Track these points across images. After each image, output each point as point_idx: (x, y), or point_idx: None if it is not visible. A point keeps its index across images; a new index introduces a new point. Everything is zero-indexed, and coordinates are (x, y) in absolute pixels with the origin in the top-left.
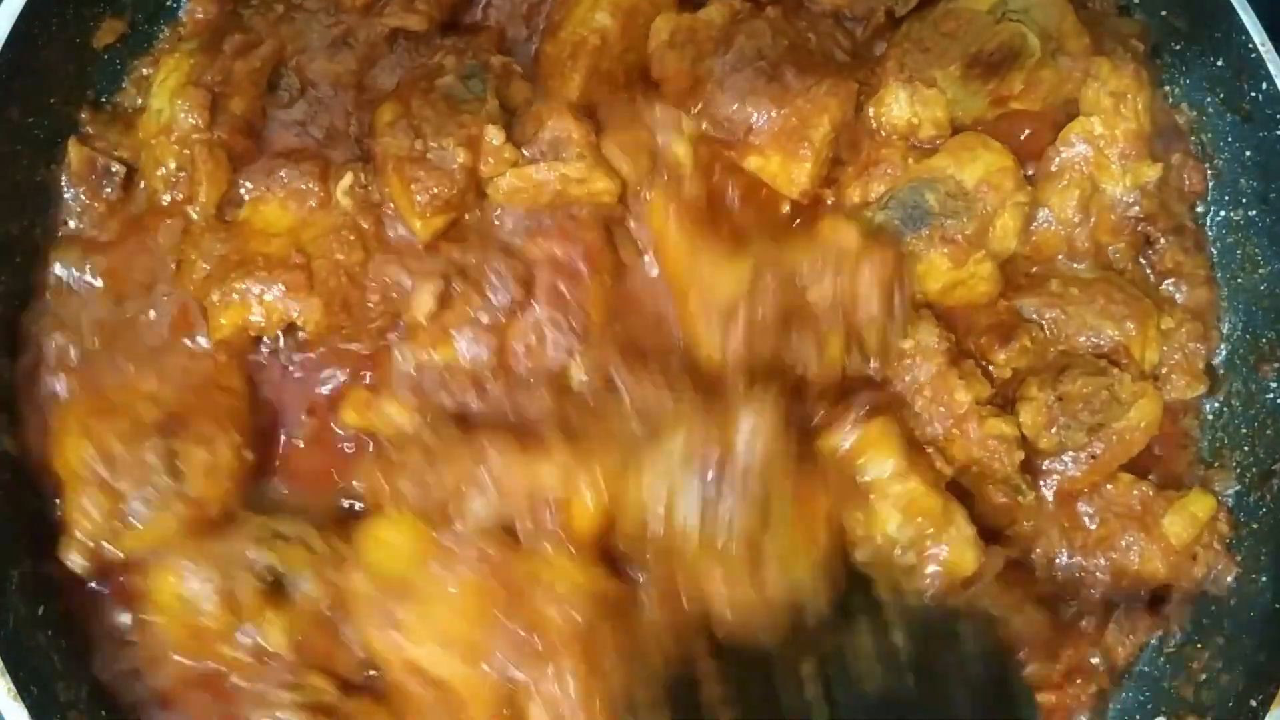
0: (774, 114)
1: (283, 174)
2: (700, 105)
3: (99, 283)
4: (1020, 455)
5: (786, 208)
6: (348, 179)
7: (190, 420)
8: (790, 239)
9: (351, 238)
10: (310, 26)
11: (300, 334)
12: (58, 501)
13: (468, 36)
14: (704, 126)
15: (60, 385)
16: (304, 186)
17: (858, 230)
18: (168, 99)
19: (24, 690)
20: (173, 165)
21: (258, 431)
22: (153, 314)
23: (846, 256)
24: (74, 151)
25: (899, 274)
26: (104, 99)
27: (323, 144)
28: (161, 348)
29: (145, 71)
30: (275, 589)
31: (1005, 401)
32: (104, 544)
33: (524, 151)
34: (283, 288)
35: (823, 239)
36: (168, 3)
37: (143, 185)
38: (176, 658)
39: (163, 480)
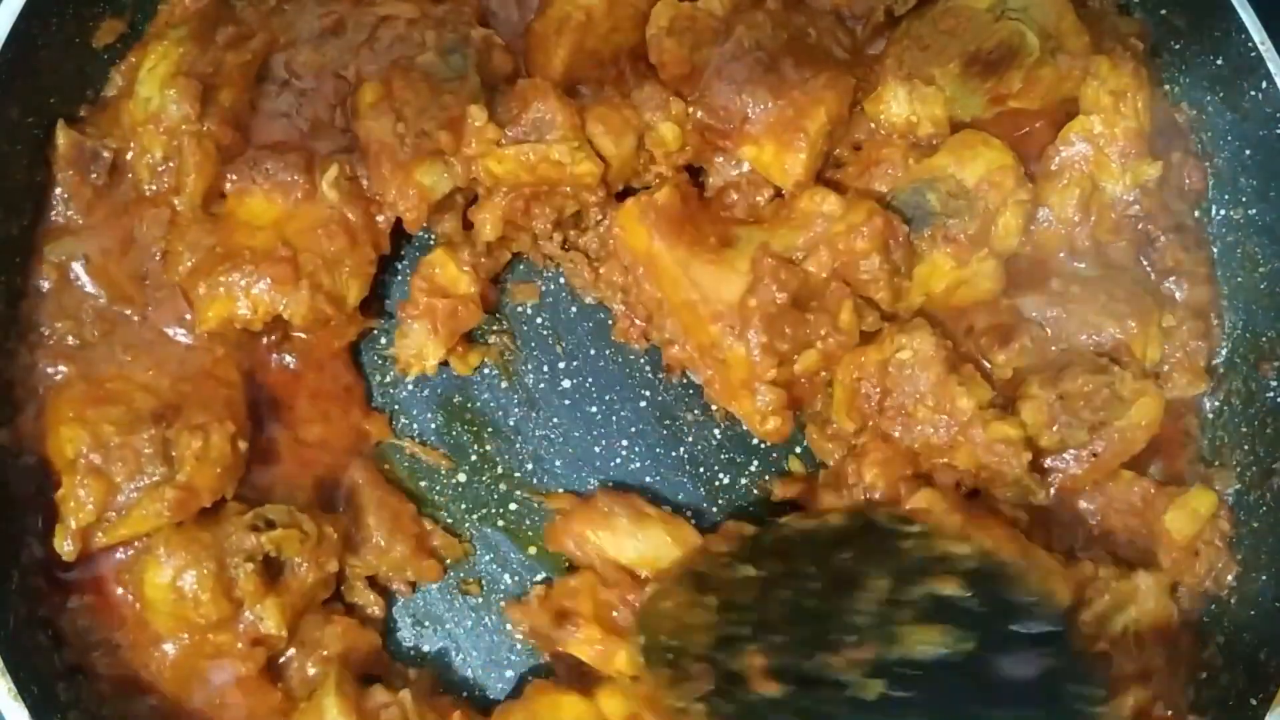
0: (770, 105)
1: (268, 166)
2: (697, 93)
3: (92, 273)
4: (1028, 456)
5: (767, 194)
6: (333, 171)
7: (185, 410)
8: (774, 220)
9: (338, 230)
10: (301, 18)
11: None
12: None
13: (449, 5)
14: (699, 114)
15: (58, 374)
16: (289, 179)
17: (835, 195)
18: (157, 87)
19: (24, 690)
20: (159, 155)
21: (252, 421)
22: (146, 305)
23: (833, 221)
24: (62, 135)
25: (888, 223)
26: (100, 94)
27: (308, 135)
28: (157, 339)
29: (132, 58)
30: (269, 574)
31: (1006, 401)
32: (98, 533)
33: (506, 131)
34: (269, 281)
35: (805, 211)
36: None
37: (130, 174)
38: (171, 651)
39: (156, 468)
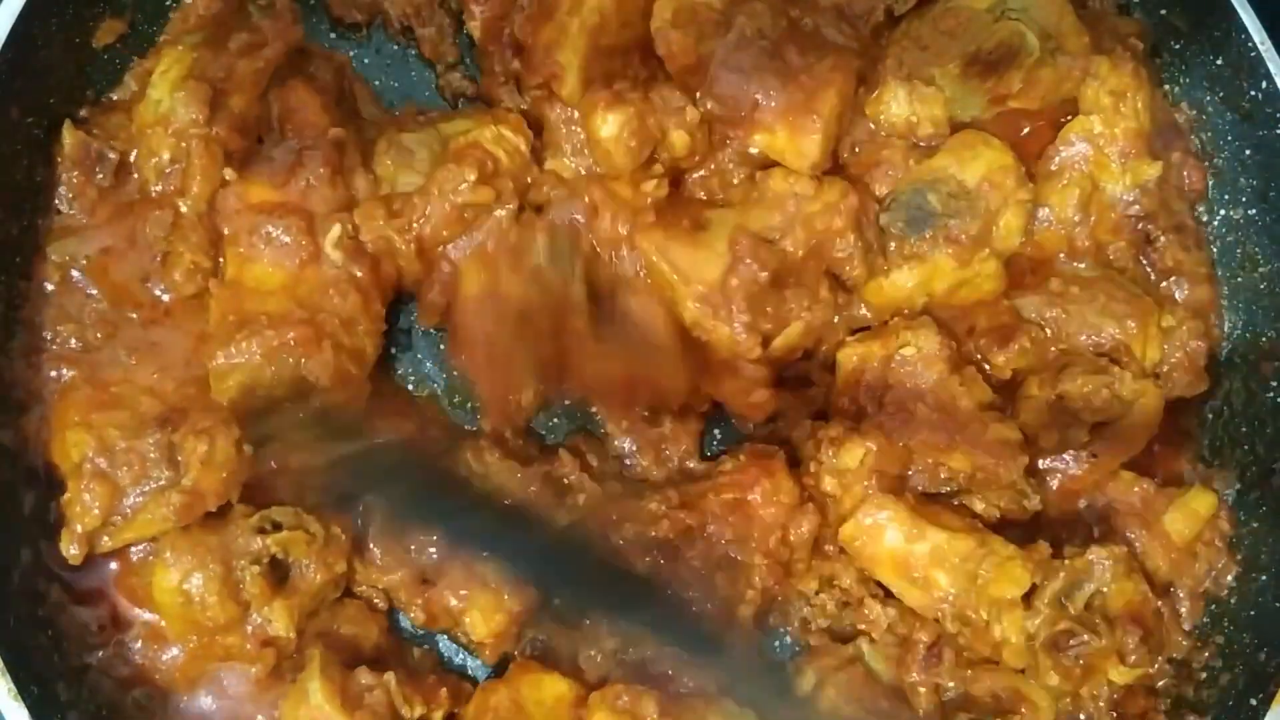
0: (779, 91)
1: (268, 230)
2: (705, 85)
3: (94, 276)
4: (1024, 460)
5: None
6: (335, 231)
7: (190, 414)
8: (744, 202)
9: (349, 288)
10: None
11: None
12: (58, 495)
13: None
14: (709, 105)
15: (63, 378)
16: (290, 243)
17: (808, 173)
18: (168, 90)
19: (24, 690)
20: (166, 157)
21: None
22: (148, 306)
23: (807, 201)
24: (69, 135)
25: (862, 202)
26: (103, 96)
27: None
28: (159, 341)
29: (147, 64)
30: (276, 576)
31: (1006, 402)
32: (104, 537)
33: None
34: (290, 343)
35: (777, 192)
36: (168, 3)
37: (135, 175)
38: (180, 653)
39: (162, 473)
